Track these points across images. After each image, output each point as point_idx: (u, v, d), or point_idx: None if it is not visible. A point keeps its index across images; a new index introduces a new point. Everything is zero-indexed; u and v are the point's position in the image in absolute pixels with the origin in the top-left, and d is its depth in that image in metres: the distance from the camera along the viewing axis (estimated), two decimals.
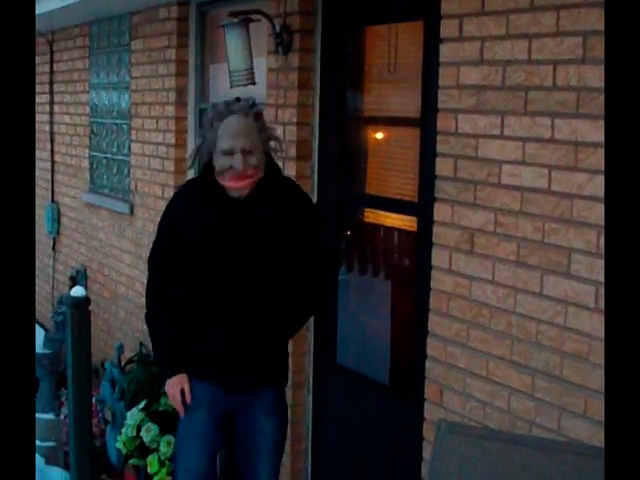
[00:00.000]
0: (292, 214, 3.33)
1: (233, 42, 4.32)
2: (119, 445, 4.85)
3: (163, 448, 4.63)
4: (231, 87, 4.45)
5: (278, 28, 4.33)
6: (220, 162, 3.21)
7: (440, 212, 3.49)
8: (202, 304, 3.36)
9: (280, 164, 3.56)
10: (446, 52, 3.42)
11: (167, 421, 4.62)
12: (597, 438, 2.85)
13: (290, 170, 4.38)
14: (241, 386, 3.40)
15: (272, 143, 3.34)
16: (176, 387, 3.39)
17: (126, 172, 6.54)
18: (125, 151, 6.56)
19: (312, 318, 4.43)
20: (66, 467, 5.58)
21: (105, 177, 7.02)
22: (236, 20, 4.28)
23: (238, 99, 3.31)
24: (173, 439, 4.45)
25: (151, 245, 3.52)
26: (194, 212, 3.32)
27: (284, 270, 3.34)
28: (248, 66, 4.33)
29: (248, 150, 3.20)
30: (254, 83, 4.40)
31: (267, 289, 3.32)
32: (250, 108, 3.26)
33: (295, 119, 4.35)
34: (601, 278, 2.83)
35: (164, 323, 3.40)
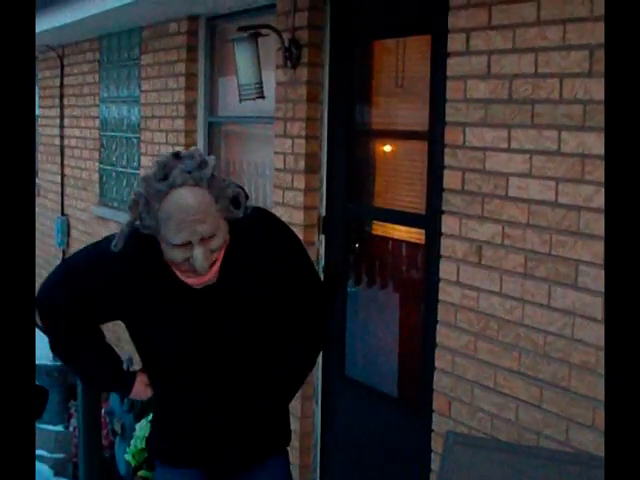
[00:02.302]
0: (273, 261, 2.48)
1: (242, 56, 4.36)
2: (128, 457, 4.86)
3: None
4: (240, 101, 4.49)
5: (287, 42, 4.36)
6: (171, 254, 2.32)
7: (448, 224, 3.51)
8: (169, 386, 2.62)
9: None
10: (453, 66, 3.44)
11: None
12: (603, 449, 2.85)
13: (299, 183, 4.41)
14: (235, 468, 2.67)
15: (229, 191, 2.36)
16: (144, 390, 2.73)
17: (136, 185, 6.57)
18: (135, 164, 6.60)
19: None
20: (75, 479, 5.59)
21: (115, 190, 7.06)
22: (245, 34, 4.32)
23: (177, 155, 2.32)
24: None
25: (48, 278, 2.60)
26: (139, 292, 2.45)
27: (272, 325, 2.55)
28: (257, 80, 4.37)
29: (208, 236, 2.29)
30: (263, 97, 4.43)
31: (253, 354, 2.54)
32: (199, 170, 2.28)
33: (304, 132, 4.38)
34: None
35: (86, 342, 2.65)
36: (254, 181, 5.26)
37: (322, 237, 4.44)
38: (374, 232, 4.42)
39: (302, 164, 4.40)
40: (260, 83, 4.37)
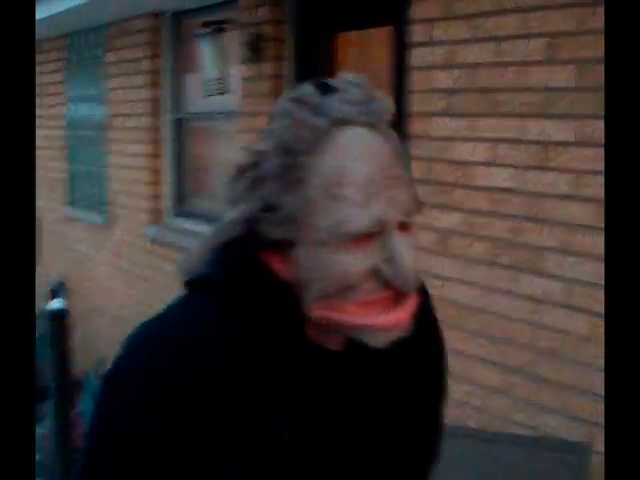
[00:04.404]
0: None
1: (207, 51, 4.36)
2: None
3: None
4: (205, 97, 4.48)
5: (250, 37, 4.36)
6: (341, 266, 1.08)
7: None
8: None
9: None
10: (416, 56, 3.45)
11: None
12: (573, 433, 2.88)
13: None
14: None
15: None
16: None
17: (104, 184, 6.54)
18: (102, 163, 6.56)
19: None
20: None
21: (83, 189, 7.02)
22: (209, 30, 4.31)
23: (325, 86, 1.17)
24: None
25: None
26: (244, 379, 1.10)
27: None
28: (220, 75, 4.37)
29: (408, 222, 1.12)
30: (226, 92, 4.43)
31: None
32: (372, 103, 1.14)
33: None
34: (571, 275, 2.87)
35: None
36: (222, 177, 5.25)
37: None
38: None
39: None
40: (223, 78, 4.37)
